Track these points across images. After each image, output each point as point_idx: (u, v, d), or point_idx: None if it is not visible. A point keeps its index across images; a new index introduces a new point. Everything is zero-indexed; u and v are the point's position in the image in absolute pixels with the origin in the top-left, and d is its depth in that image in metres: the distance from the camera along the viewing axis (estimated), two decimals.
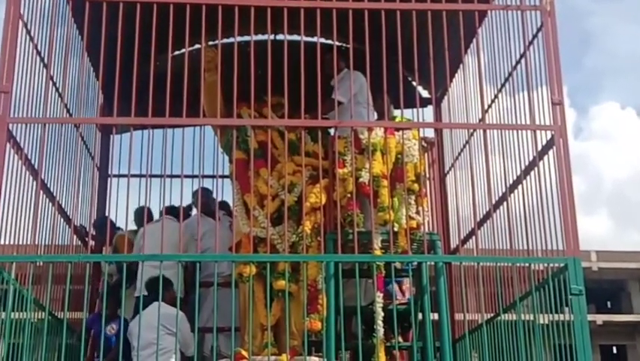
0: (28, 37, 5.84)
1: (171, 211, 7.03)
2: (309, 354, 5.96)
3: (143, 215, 6.60)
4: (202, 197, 6.34)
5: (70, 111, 6.51)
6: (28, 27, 5.84)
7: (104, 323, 5.85)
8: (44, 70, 6.01)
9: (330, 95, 6.39)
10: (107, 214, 6.63)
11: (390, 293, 6.38)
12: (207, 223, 6.50)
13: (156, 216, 7.24)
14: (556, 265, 5.54)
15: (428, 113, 7.92)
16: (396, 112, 7.09)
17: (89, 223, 7.29)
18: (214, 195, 6.62)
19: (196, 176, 6.91)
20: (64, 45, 6.05)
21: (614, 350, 35.59)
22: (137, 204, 7.19)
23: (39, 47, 6.00)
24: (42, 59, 6.04)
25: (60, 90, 6.21)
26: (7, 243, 5.50)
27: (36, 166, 5.78)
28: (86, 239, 6.98)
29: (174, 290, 6.09)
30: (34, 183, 5.72)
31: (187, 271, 6.57)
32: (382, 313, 6.05)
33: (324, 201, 6.20)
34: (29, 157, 5.80)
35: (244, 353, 5.76)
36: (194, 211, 7.42)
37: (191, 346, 6.20)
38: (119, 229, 7.15)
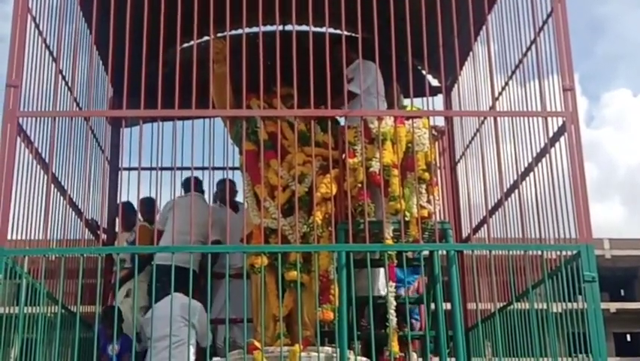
0: (36, 31, 5.85)
1: (197, 187, 7.03)
2: (322, 344, 5.97)
3: (145, 206, 6.63)
4: (225, 189, 6.37)
5: (80, 105, 6.52)
6: (37, 21, 5.84)
7: (115, 338, 5.79)
8: (53, 64, 6.02)
9: (342, 87, 6.37)
10: (124, 201, 6.61)
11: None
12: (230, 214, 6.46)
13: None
14: (569, 252, 5.51)
15: (438, 101, 7.89)
16: (406, 101, 7.07)
17: (100, 216, 7.30)
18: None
19: (206, 168, 6.91)
20: (72, 39, 6.05)
21: (628, 338, 35.55)
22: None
23: (48, 41, 6.00)
24: (51, 53, 6.05)
25: (69, 84, 6.22)
26: (19, 237, 5.52)
27: (47, 160, 5.80)
28: (98, 232, 6.99)
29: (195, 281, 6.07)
30: (45, 176, 5.74)
31: (204, 259, 6.56)
32: (394, 303, 6.06)
33: (334, 191, 6.19)
34: (40, 151, 5.82)
35: (257, 343, 5.77)
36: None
37: (205, 337, 6.21)
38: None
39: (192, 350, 6.06)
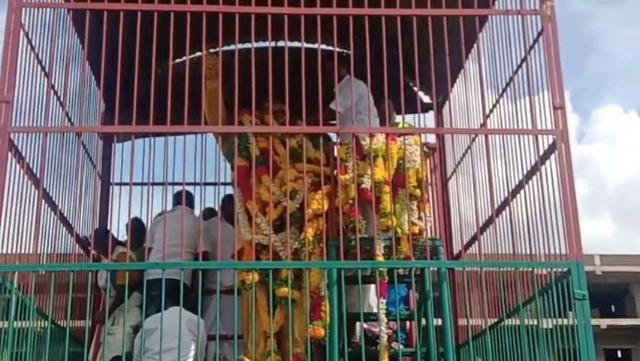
0: (29, 46, 5.85)
1: (188, 201, 6.99)
2: None
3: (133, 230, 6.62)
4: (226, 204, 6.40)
5: (72, 120, 6.51)
6: (29, 36, 5.84)
7: None
8: (45, 79, 6.02)
9: (330, 103, 6.39)
10: (107, 227, 6.54)
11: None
12: (226, 229, 6.44)
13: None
14: (560, 269, 5.52)
15: (430, 118, 7.91)
16: (398, 118, 7.09)
17: (91, 232, 7.26)
18: (215, 203, 6.63)
19: (198, 184, 6.91)
20: (65, 54, 6.05)
21: (619, 354, 35.53)
22: (139, 213, 7.21)
23: (40, 57, 6.00)
24: (43, 69, 6.05)
25: (61, 99, 6.21)
26: (9, 252, 5.49)
27: (38, 175, 5.78)
28: (88, 248, 6.96)
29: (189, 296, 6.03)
30: (36, 192, 5.73)
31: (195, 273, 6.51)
32: (385, 320, 6.05)
33: (326, 207, 6.20)
34: (31, 166, 5.80)
35: (247, 360, 5.75)
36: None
37: (203, 354, 6.16)
38: (120, 243, 7.08)
39: None
